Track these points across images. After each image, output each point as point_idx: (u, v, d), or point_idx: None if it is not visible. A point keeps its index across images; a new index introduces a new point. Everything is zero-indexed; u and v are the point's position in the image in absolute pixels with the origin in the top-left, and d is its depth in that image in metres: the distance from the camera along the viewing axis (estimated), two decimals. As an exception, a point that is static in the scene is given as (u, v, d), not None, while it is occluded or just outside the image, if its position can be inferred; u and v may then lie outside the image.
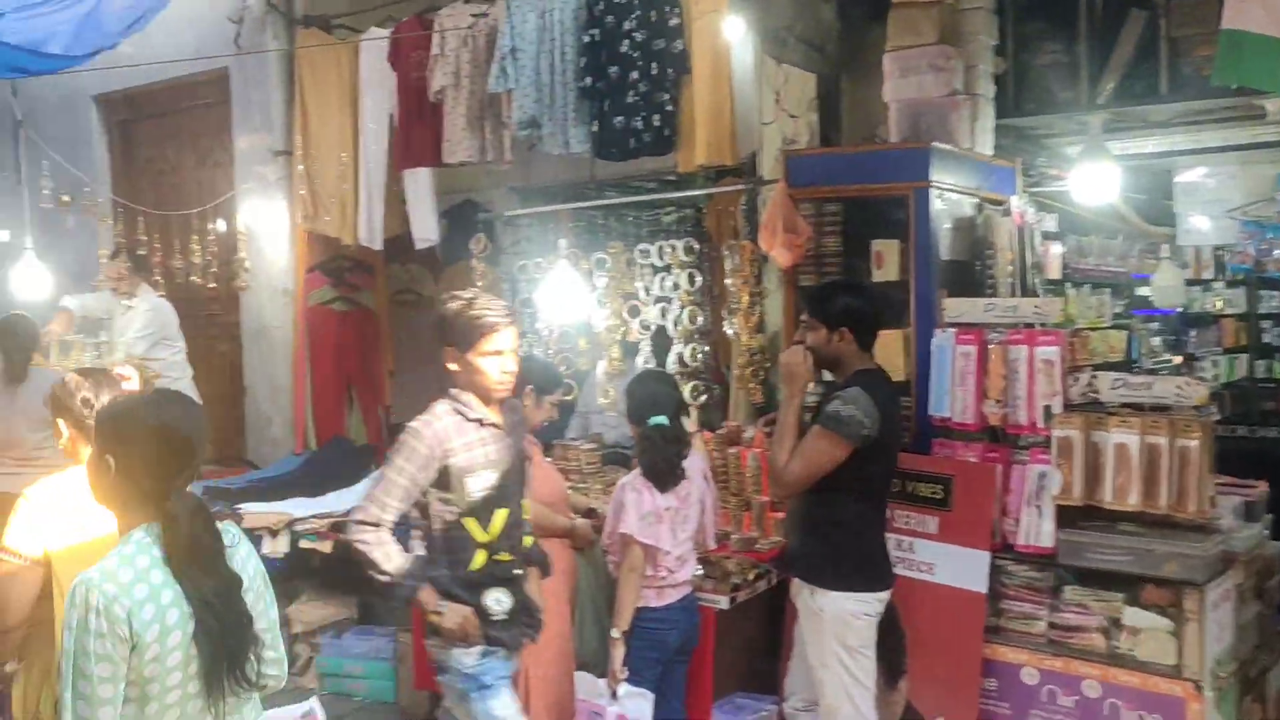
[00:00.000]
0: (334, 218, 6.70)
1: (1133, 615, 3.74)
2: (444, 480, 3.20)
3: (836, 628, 3.56)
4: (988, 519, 4.02)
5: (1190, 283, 9.07)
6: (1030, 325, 4.14)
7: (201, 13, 7.10)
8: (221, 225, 7.33)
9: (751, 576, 4.40)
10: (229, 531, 2.38)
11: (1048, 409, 3.97)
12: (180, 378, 6.84)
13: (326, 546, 5.40)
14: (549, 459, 4.74)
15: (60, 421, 3.06)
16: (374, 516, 3.16)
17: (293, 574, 5.76)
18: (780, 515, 4.45)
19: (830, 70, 5.26)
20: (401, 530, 3.28)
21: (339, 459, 6.60)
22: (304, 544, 5.41)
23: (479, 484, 3.22)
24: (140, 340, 6.58)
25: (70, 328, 6.81)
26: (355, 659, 5.43)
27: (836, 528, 3.61)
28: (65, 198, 7.67)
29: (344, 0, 6.97)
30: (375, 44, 6.37)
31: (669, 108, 5.29)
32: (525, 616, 3.35)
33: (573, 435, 6.08)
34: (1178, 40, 5.20)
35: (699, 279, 5.76)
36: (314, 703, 3.15)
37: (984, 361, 4.13)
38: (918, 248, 4.51)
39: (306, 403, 6.99)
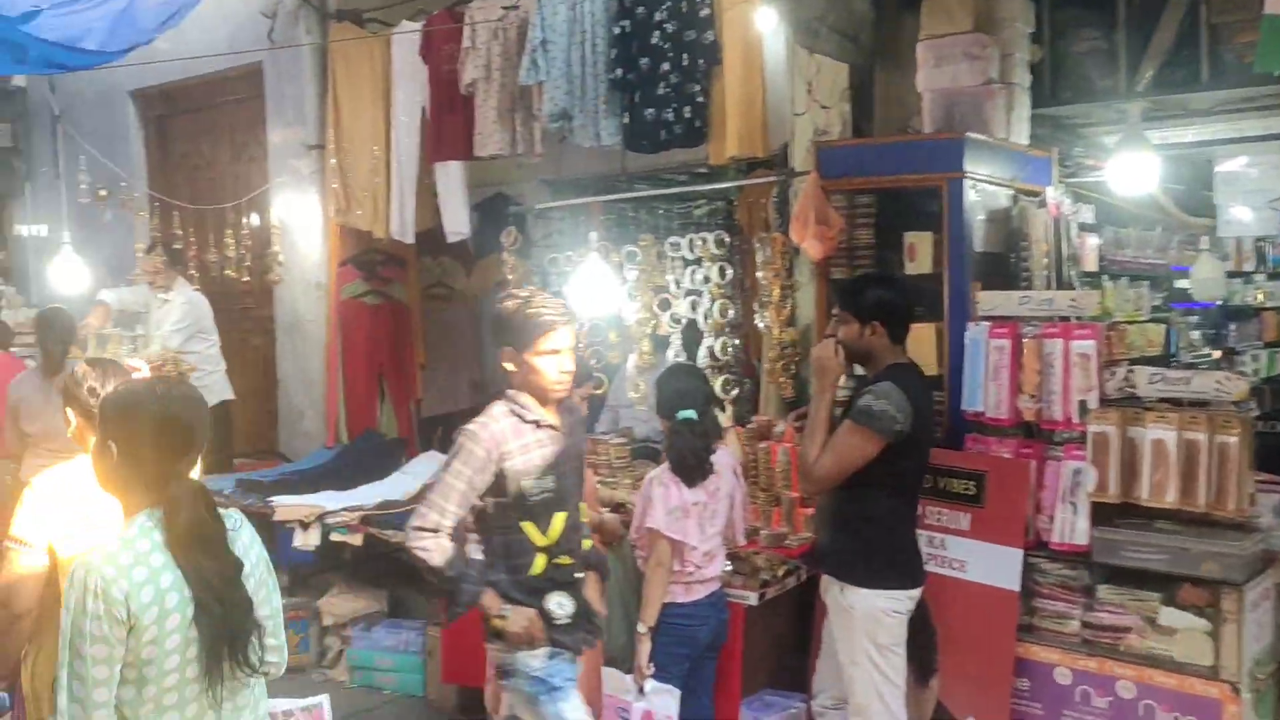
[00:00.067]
0: (366, 211, 6.73)
1: (1169, 615, 3.69)
2: (501, 483, 3.14)
3: (867, 625, 3.53)
4: (1021, 516, 3.97)
5: (1230, 275, 8.89)
6: (1066, 319, 4.09)
7: (235, 8, 7.16)
8: (255, 219, 7.39)
9: (781, 573, 4.36)
10: (231, 517, 2.42)
11: (1083, 404, 3.91)
12: (214, 371, 6.92)
13: (357, 539, 5.43)
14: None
15: (69, 410, 3.12)
16: (433, 522, 3.09)
17: (323, 567, 5.80)
18: (810, 511, 4.42)
19: (863, 60, 5.20)
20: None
21: (370, 452, 6.63)
22: (335, 537, 5.44)
23: (537, 487, 3.16)
24: (176, 334, 6.66)
25: (107, 321, 6.91)
26: (385, 652, 5.45)
27: (868, 524, 3.58)
28: (102, 192, 7.78)
29: (376, -7, 7.00)
30: (407, 37, 6.39)
31: (700, 99, 5.26)
32: (586, 622, 3.30)
33: (602, 429, 6.06)
34: (1218, 26, 5.10)
35: (730, 272, 5.73)
36: (324, 699, 3.18)
37: (1018, 355, 4.07)
38: (951, 240, 4.46)
39: (338, 396, 7.03)
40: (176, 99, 8.41)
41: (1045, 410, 4.02)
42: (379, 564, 5.77)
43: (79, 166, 7.86)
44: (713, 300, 5.72)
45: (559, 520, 3.21)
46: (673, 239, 5.92)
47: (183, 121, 8.58)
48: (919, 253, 4.56)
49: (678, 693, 3.80)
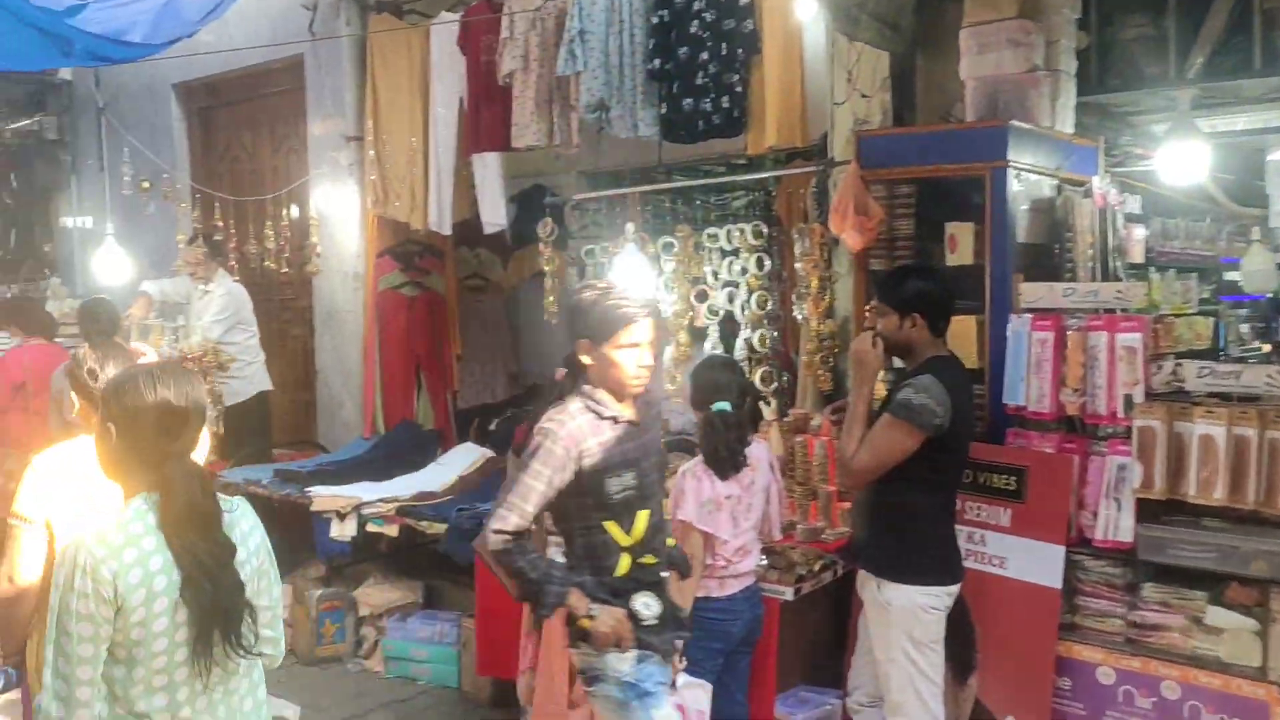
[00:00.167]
0: (404, 202, 6.75)
1: (1216, 614, 3.62)
2: (580, 482, 3.05)
3: (904, 621, 3.49)
4: (1063, 512, 3.90)
5: (1282, 267, 8.73)
6: (1111, 311, 4.01)
7: (277, 1, 7.20)
8: (295, 211, 7.43)
9: (817, 568, 4.31)
10: (231, 503, 2.45)
11: (1129, 398, 3.83)
12: (254, 362, 6.98)
13: (393, 530, 5.45)
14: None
15: (73, 393, 3.17)
16: (514, 525, 2.98)
17: (360, 557, 5.83)
18: (847, 505, 4.37)
19: (904, 48, 5.12)
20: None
21: (407, 443, 6.66)
22: (371, 528, 5.47)
23: (617, 485, 3.07)
24: (216, 324, 6.71)
25: (149, 311, 6.99)
26: (420, 643, 5.46)
27: (906, 519, 3.53)
28: (145, 184, 7.88)
29: (414, -16, 7.02)
30: (445, 28, 6.39)
31: (739, 89, 5.20)
32: (673, 622, 3.22)
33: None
34: (1272, 12, 4.98)
35: (768, 263, 5.67)
36: (295, 710, 3.18)
37: (1061, 349, 4.00)
38: (994, 230, 4.38)
39: (375, 387, 7.06)
40: (219, 91, 8.49)
41: (1089, 404, 3.95)
42: (415, 555, 5.79)
43: (123, 158, 7.96)
44: (750, 292, 5.67)
45: (642, 519, 3.12)
46: (710, 230, 5.89)
47: (225, 113, 8.66)
48: (960, 244, 4.48)
49: (709, 687, 3.75)
